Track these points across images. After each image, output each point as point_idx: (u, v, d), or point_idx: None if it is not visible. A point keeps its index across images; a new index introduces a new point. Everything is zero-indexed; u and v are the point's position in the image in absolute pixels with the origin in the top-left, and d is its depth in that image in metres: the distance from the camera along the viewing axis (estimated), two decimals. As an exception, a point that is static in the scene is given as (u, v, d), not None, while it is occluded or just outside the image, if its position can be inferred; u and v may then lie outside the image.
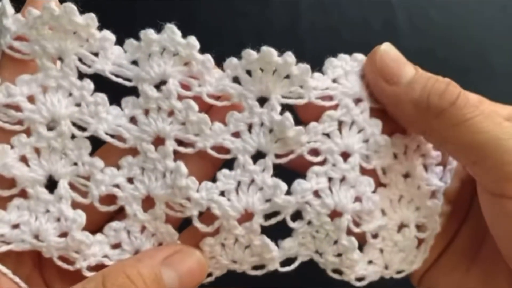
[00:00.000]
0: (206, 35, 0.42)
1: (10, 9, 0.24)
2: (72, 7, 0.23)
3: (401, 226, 0.28)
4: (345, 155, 0.26)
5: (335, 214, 0.26)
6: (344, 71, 0.27)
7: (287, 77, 0.25)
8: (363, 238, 0.28)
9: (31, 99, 0.23)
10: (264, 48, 0.25)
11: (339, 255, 0.27)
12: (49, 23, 0.23)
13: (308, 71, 0.25)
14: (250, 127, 0.25)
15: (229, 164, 0.26)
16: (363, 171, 0.27)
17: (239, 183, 0.25)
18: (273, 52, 0.25)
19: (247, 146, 0.25)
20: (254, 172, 0.25)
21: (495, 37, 0.43)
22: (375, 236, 0.28)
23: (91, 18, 0.24)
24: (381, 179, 0.28)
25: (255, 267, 0.27)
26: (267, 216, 0.26)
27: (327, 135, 0.26)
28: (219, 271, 0.26)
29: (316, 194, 0.26)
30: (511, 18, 0.44)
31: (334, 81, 0.27)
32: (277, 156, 0.26)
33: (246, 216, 0.26)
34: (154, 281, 0.23)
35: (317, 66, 0.43)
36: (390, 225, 0.28)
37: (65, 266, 0.25)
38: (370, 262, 0.28)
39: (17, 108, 0.23)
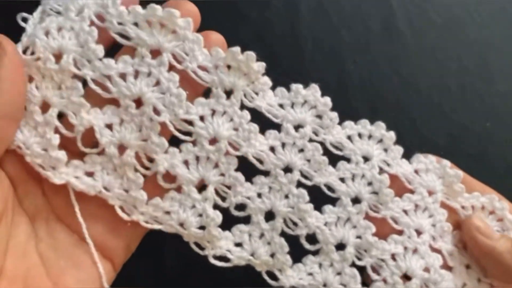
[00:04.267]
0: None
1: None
2: (253, 55, 0.30)
3: None
4: (417, 232, 0.33)
5: (405, 279, 0.32)
6: (426, 167, 0.34)
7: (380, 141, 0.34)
8: None
9: (202, 117, 0.30)
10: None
11: None
12: (228, 62, 0.30)
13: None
14: (353, 177, 0.32)
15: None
16: (432, 250, 0.33)
17: (338, 218, 0.32)
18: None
19: (350, 191, 0.32)
20: (351, 213, 0.32)
21: (493, 37, 0.43)
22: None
23: (262, 66, 0.31)
24: (448, 261, 0.33)
25: None
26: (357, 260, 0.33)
27: (405, 211, 0.33)
28: None
29: (392, 257, 0.32)
30: (510, 19, 0.44)
31: (416, 171, 0.33)
32: (370, 207, 0.32)
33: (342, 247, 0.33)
34: None
35: (317, 66, 0.43)
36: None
37: (196, 249, 0.31)
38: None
39: (190, 122, 0.30)
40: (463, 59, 0.43)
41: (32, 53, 0.28)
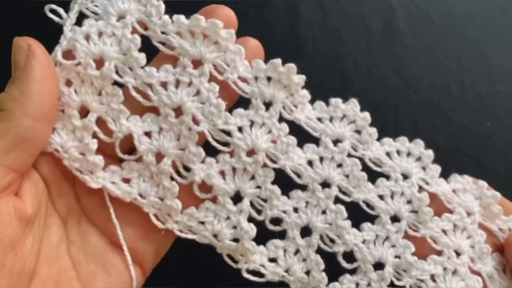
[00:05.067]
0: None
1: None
2: (294, 67, 0.30)
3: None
4: (456, 253, 0.32)
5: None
6: (463, 187, 0.33)
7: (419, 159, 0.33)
8: None
9: (240, 128, 0.30)
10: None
11: None
12: (269, 73, 0.30)
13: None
14: (392, 195, 0.32)
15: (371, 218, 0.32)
16: (471, 272, 0.32)
17: (377, 236, 0.31)
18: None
19: (390, 209, 0.31)
20: (390, 231, 0.31)
21: (494, 37, 0.44)
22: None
23: (302, 78, 0.31)
24: (487, 284, 0.32)
25: None
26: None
27: (444, 231, 0.32)
28: None
29: (432, 278, 0.31)
30: (510, 19, 0.44)
31: (453, 191, 0.33)
32: (408, 225, 0.32)
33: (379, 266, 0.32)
34: None
35: (317, 67, 0.43)
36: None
37: (230, 262, 0.30)
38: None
39: (228, 133, 0.30)
40: (463, 59, 0.43)
41: (72, 58, 0.28)
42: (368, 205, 0.31)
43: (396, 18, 0.43)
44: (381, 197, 0.32)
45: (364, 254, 0.31)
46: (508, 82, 0.43)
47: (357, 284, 0.31)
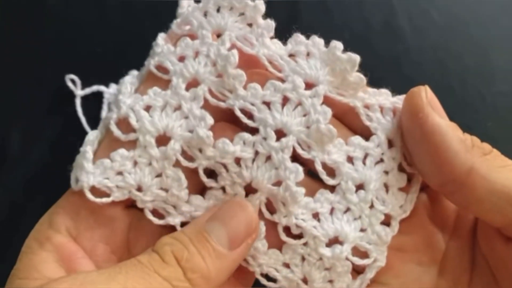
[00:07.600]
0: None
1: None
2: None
3: (334, 241, 0.24)
4: (279, 133, 0.24)
5: (250, 190, 0.24)
6: (307, 50, 0.25)
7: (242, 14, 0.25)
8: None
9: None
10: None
11: None
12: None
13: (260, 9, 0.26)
14: (196, 55, 0.25)
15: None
16: (300, 161, 0.24)
17: (166, 104, 0.25)
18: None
19: (184, 71, 0.24)
20: (183, 97, 0.24)
21: (494, 37, 0.43)
22: (297, 237, 0.24)
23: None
24: (325, 179, 0.24)
25: None
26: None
27: (267, 103, 0.24)
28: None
29: (237, 162, 0.24)
30: (511, 18, 0.44)
31: (291, 56, 0.25)
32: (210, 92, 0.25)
33: None
34: (198, 235, 0.22)
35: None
36: (319, 233, 0.24)
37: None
38: (286, 265, 0.25)
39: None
40: (464, 58, 0.43)
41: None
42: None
43: (396, 18, 0.43)
44: (181, 58, 0.25)
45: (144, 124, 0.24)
46: (510, 82, 0.42)
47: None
